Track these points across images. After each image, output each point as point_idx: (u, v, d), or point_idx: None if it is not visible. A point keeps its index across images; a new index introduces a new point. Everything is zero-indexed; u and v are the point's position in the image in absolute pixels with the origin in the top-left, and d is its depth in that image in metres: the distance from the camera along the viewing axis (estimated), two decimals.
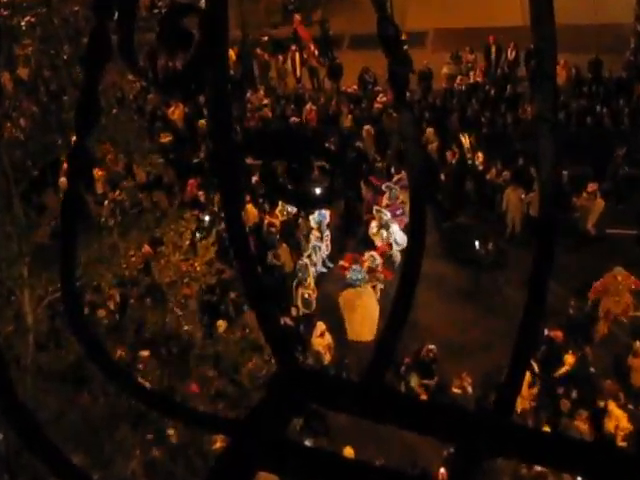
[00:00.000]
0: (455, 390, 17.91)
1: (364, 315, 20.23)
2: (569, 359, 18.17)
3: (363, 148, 26.01)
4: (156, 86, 1.71)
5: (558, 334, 18.22)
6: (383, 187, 23.54)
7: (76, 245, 1.94)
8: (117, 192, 18.16)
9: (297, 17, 34.33)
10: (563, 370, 18.12)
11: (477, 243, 21.80)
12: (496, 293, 21.22)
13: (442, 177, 24.88)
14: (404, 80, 1.65)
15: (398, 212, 23.07)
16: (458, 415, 1.80)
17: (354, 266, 20.89)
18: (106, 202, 16.26)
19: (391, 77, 1.65)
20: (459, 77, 30.52)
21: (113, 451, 12.88)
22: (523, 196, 22.85)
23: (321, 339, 19.34)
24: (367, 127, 26.23)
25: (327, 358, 19.29)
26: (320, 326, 19.50)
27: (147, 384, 13.74)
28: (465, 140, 25.54)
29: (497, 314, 19.72)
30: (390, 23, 1.59)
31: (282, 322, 19.43)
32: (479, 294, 21.46)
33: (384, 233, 22.55)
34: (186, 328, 14.51)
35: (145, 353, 14.36)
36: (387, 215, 22.75)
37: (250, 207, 23.09)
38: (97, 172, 20.92)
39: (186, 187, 23.81)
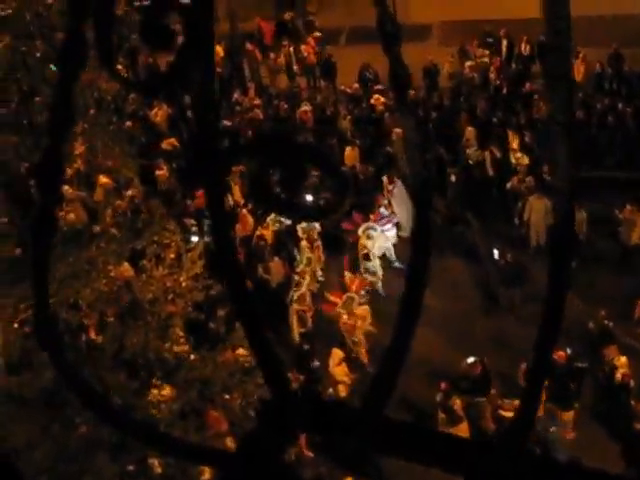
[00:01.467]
0: (505, 414, 17.59)
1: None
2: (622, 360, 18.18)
3: (393, 152, 25.94)
4: (136, 88, 1.71)
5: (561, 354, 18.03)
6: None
7: (48, 260, 1.94)
8: (119, 201, 18.13)
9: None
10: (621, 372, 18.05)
11: (496, 252, 21.85)
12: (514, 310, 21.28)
13: (453, 178, 24.87)
14: (406, 81, 1.65)
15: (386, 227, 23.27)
16: (465, 445, 1.79)
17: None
18: (109, 210, 16.23)
19: (392, 78, 1.66)
20: (466, 70, 30.51)
21: None
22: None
23: (340, 368, 19.19)
24: (397, 130, 26.03)
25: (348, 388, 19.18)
26: (337, 354, 19.32)
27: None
28: (514, 139, 25.38)
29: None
30: (391, 19, 1.60)
31: (305, 348, 19.50)
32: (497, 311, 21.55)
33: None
34: (171, 348, 14.47)
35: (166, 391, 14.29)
36: (376, 229, 22.80)
37: (246, 214, 23.00)
38: (101, 179, 20.89)
39: (193, 196, 23.81)
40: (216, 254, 1.89)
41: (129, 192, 19.36)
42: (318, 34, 33.35)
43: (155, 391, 14.08)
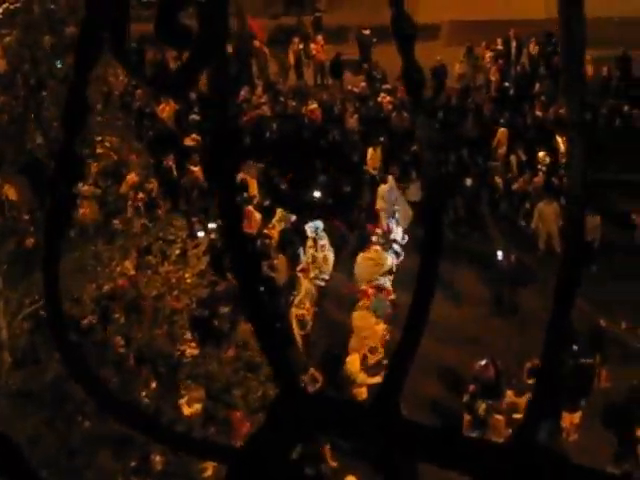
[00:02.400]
0: (519, 416, 17.34)
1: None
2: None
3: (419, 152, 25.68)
4: (152, 85, 1.71)
5: None
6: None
7: (60, 255, 1.94)
8: (140, 195, 18.02)
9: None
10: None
11: (500, 254, 21.78)
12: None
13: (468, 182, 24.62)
14: (420, 82, 1.65)
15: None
16: (476, 445, 1.79)
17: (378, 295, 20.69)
18: (129, 203, 16.15)
19: (407, 79, 1.65)
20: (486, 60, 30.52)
21: (93, 478, 12.82)
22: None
23: (363, 373, 18.70)
24: None
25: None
26: (356, 359, 18.90)
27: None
28: (561, 142, 25.01)
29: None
30: (407, 21, 1.60)
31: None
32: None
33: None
34: (175, 344, 14.47)
35: None
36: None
37: (253, 211, 22.76)
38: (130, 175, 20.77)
39: (212, 193, 23.60)
40: (227, 251, 1.89)
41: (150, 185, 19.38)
42: (367, 31, 32.79)
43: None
